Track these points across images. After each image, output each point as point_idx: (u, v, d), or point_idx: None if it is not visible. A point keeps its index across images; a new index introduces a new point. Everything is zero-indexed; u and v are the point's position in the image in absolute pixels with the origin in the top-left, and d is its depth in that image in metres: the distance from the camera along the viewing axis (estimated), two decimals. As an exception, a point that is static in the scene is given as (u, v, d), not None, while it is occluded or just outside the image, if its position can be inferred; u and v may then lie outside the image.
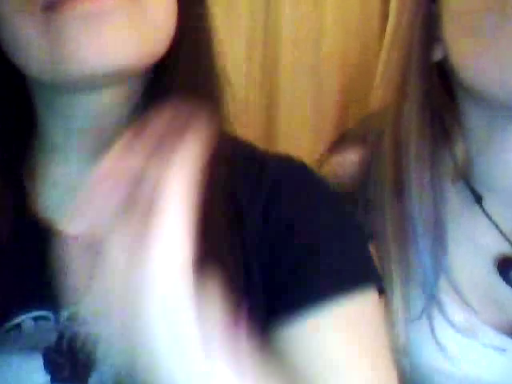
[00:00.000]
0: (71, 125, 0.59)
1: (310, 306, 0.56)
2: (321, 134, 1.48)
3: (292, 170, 0.62)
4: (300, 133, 1.48)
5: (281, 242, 0.57)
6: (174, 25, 0.56)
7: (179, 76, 0.58)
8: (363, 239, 0.63)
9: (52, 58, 0.51)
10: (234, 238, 0.56)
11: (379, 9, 1.43)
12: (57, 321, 0.55)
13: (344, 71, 1.45)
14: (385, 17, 1.41)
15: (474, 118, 0.71)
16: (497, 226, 0.72)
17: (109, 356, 0.52)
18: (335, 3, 1.43)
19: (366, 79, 1.46)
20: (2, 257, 0.55)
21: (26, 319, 0.55)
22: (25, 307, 0.55)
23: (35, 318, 0.56)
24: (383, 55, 1.44)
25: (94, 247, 0.56)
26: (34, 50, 0.51)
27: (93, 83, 0.54)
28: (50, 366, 0.54)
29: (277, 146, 1.62)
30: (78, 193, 0.59)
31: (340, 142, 0.84)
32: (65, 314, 0.55)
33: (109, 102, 0.57)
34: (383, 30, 1.41)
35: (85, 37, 0.50)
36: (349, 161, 0.80)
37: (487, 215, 0.72)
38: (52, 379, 0.54)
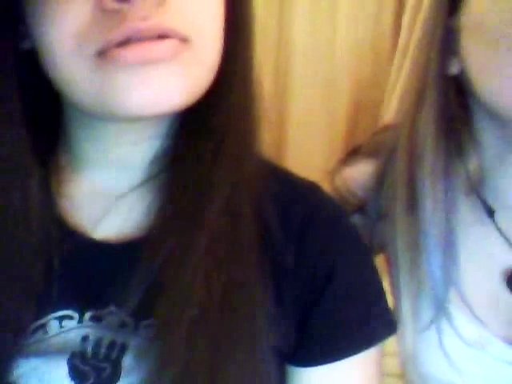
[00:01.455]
0: (102, 143, 0.59)
1: (332, 357, 0.58)
2: (331, 144, 1.49)
3: (323, 205, 0.62)
4: (309, 144, 1.49)
5: (314, 284, 0.58)
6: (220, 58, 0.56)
7: (223, 103, 0.57)
8: (381, 283, 0.63)
9: (101, 101, 0.51)
10: (262, 261, 0.57)
11: (392, 22, 1.44)
12: (80, 320, 0.56)
13: (355, 83, 1.46)
14: (397, 30, 1.43)
15: (487, 133, 0.71)
16: (507, 240, 0.72)
17: (135, 366, 0.53)
18: (348, 16, 1.44)
19: (377, 92, 1.47)
20: (31, 258, 0.56)
21: (51, 319, 0.56)
22: (50, 307, 0.56)
23: (60, 318, 0.56)
24: (394, 69, 1.45)
25: (119, 251, 0.57)
26: (84, 90, 0.51)
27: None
28: (75, 373, 0.54)
29: (286, 155, 1.62)
30: (104, 199, 0.60)
31: (353, 155, 0.85)
32: (88, 314, 0.56)
33: (145, 127, 0.58)
34: (395, 43, 1.42)
35: (137, 85, 0.49)
36: (361, 173, 0.81)
37: (498, 229, 0.73)
38: None
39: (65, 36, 0.49)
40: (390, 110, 1.43)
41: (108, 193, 0.60)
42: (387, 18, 1.48)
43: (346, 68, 1.48)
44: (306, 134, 1.48)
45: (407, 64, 1.39)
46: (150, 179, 0.59)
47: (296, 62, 1.46)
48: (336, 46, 1.47)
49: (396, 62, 1.44)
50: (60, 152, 0.62)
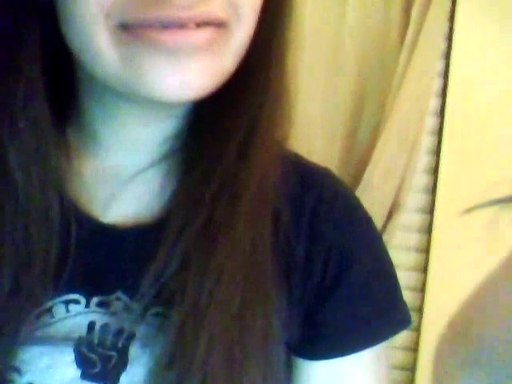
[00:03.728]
0: (114, 122, 0.57)
1: (342, 352, 0.57)
2: (331, 137, 1.48)
3: (336, 191, 0.61)
4: (309, 134, 1.48)
5: (326, 275, 0.57)
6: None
7: (258, 85, 0.56)
8: (395, 274, 0.62)
9: (125, 78, 0.49)
10: (276, 255, 0.56)
11: (400, 17, 1.43)
12: (87, 305, 0.55)
13: (361, 75, 1.45)
14: (406, 24, 1.41)
15: None
16: None
17: (142, 356, 0.52)
18: (357, 8, 1.43)
19: (383, 84, 1.46)
20: (47, 238, 0.54)
21: (57, 303, 0.55)
22: (56, 291, 0.55)
23: (66, 302, 0.55)
24: (401, 64, 1.44)
25: (128, 236, 0.56)
26: (106, 62, 0.49)
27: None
28: (81, 361, 0.53)
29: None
30: (113, 182, 0.58)
31: None
32: (95, 299, 0.55)
33: (162, 108, 0.56)
34: (403, 35, 1.41)
35: (168, 71, 0.48)
36: None
37: None
38: (82, 375, 0.53)
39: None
40: (396, 105, 1.42)
41: (117, 175, 0.59)
42: (396, 10, 1.47)
43: (352, 58, 1.47)
44: (307, 123, 1.47)
45: (415, 59, 1.39)
46: (160, 161, 0.58)
47: (304, 54, 1.45)
48: (345, 38, 1.46)
49: (403, 56, 1.43)
50: (71, 129, 0.60)
